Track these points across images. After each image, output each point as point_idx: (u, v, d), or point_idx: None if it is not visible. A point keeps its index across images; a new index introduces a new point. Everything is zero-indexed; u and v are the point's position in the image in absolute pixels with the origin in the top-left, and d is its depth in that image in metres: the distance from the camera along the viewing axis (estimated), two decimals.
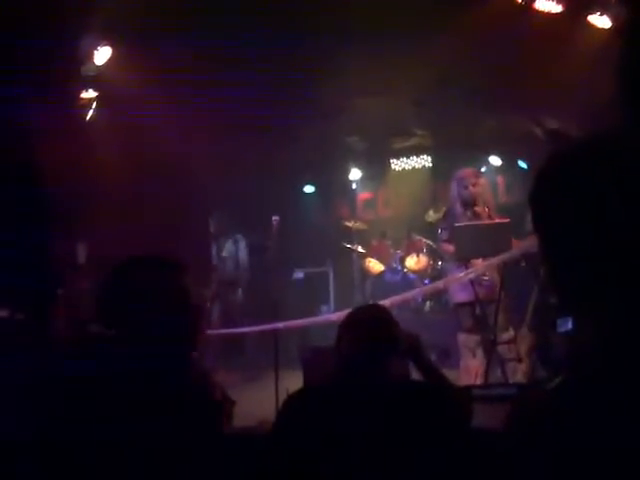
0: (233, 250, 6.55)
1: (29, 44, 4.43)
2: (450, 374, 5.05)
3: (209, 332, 5.71)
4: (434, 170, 8.66)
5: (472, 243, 4.26)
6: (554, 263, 1.01)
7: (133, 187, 6.17)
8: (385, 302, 5.12)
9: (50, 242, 5.41)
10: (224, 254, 6.58)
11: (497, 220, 4.57)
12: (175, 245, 6.33)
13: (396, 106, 7.32)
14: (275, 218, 5.92)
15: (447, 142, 8.15)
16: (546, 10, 4.41)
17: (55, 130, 5.16)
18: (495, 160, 8.40)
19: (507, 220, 4.45)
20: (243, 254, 6.59)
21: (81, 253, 6.24)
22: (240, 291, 6.61)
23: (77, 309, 5.37)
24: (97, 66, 5.55)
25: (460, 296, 4.72)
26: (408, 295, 5.46)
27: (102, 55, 5.48)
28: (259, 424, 2.94)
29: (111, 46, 5.45)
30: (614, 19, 4.64)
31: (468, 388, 3.51)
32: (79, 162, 5.73)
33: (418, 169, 8.79)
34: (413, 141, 8.52)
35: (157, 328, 1.75)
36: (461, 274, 4.58)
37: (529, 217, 1.04)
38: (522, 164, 8.21)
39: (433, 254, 7.06)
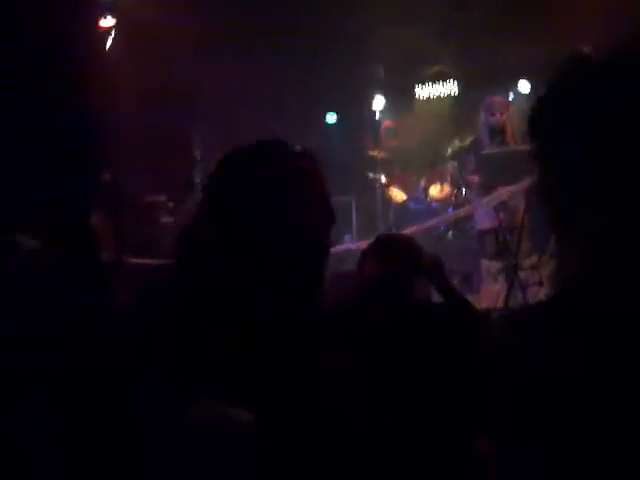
0: None
1: None
2: (472, 299, 5.16)
3: None
4: (460, 98, 8.45)
5: (497, 170, 4.23)
6: (548, 178, 1.00)
7: (148, 116, 6.15)
8: (408, 230, 5.14)
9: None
10: None
11: (522, 147, 4.49)
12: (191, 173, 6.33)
13: (420, 34, 7.12)
14: None
15: (473, 68, 7.93)
16: None
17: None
18: (524, 86, 8.17)
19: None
20: None
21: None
22: None
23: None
24: None
25: (484, 223, 4.73)
26: (431, 223, 5.45)
27: None
28: None
29: None
30: None
31: (488, 310, 3.55)
32: (101, 91, 5.71)
33: (443, 97, 8.58)
34: (438, 68, 8.30)
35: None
36: (485, 201, 4.56)
37: None
38: None
39: (457, 182, 6.99)
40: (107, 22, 5.78)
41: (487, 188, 4.47)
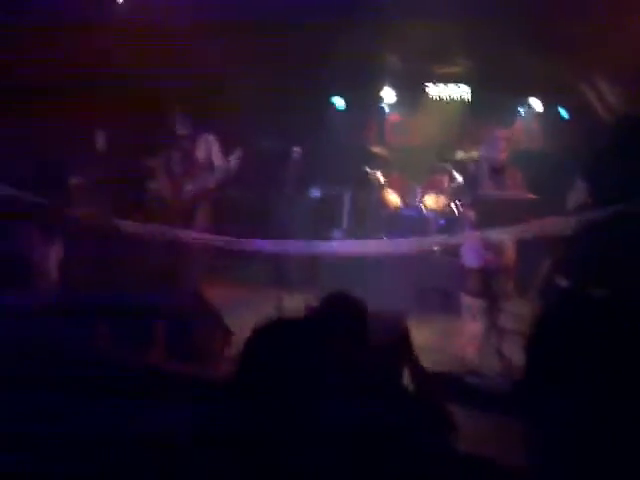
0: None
1: None
2: (449, 320, 5.16)
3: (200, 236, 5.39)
4: (471, 104, 8.29)
5: (493, 215, 4.14)
6: None
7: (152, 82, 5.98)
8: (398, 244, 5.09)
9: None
10: None
11: (522, 195, 4.41)
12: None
13: (443, 31, 6.89)
14: (297, 149, 5.70)
15: (489, 76, 7.74)
16: None
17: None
18: (535, 103, 8.02)
19: (533, 197, 4.30)
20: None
21: (100, 140, 6.08)
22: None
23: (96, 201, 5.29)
24: None
25: (470, 260, 4.66)
26: (420, 244, 5.38)
27: None
28: None
29: None
30: None
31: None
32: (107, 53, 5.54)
33: (454, 100, 8.41)
34: (454, 69, 8.10)
35: None
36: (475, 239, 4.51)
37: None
38: (563, 112, 7.86)
39: (453, 194, 6.89)
40: None
41: (481, 228, 4.39)
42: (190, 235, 5.12)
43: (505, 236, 4.23)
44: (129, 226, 4.75)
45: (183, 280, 5.34)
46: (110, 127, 6.03)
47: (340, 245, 6.13)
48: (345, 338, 1.93)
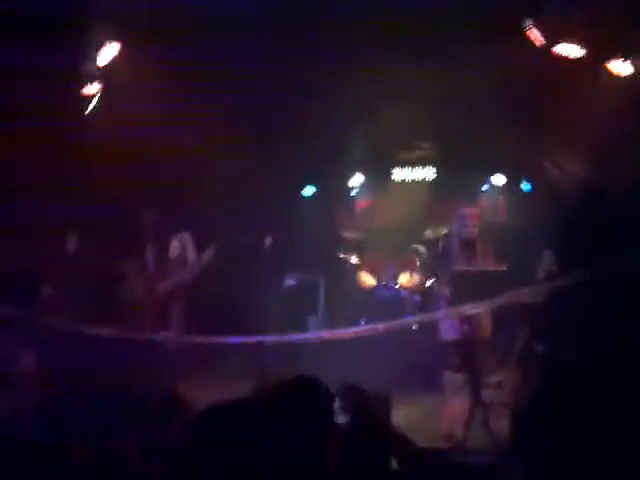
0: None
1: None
2: (432, 399, 5.09)
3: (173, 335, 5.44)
4: (436, 184, 8.57)
5: (468, 289, 4.21)
6: None
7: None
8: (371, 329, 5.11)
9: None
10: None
11: (493, 267, 4.51)
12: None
13: (405, 118, 7.21)
14: (269, 239, 5.80)
15: (452, 157, 8.06)
16: (565, 54, 4.31)
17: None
18: (498, 179, 8.31)
19: (504, 268, 4.40)
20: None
21: (70, 245, 6.13)
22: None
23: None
24: (103, 62, 5.42)
25: (449, 333, 4.68)
26: (397, 324, 5.41)
27: (109, 52, 5.35)
28: None
29: (119, 43, 5.32)
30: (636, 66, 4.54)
31: None
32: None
33: (420, 181, 8.70)
34: (418, 154, 8.42)
35: None
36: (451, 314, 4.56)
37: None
38: (525, 186, 8.14)
39: (426, 272, 6.99)
40: (92, 89, 5.72)
41: (457, 303, 4.45)
42: (164, 336, 5.15)
43: (480, 309, 4.29)
44: (101, 331, 4.75)
45: (158, 381, 5.27)
46: (80, 232, 6.08)
47: (316, 335, 6.19)
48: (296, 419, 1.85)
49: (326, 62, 5.68)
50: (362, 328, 5.49)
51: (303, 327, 6.75)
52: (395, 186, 8.73)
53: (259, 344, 5.37)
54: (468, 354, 4.57)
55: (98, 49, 5.28)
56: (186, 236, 5.65)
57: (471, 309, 4.43)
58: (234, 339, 4.84)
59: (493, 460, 3.26)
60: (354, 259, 7.54)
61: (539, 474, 1.18)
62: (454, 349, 4.65)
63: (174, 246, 5.62)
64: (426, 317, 5.13)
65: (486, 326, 4.65)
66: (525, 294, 3.98)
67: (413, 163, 8.63)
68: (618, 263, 3.10)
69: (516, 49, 4.53)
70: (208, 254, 5.42)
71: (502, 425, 4.25)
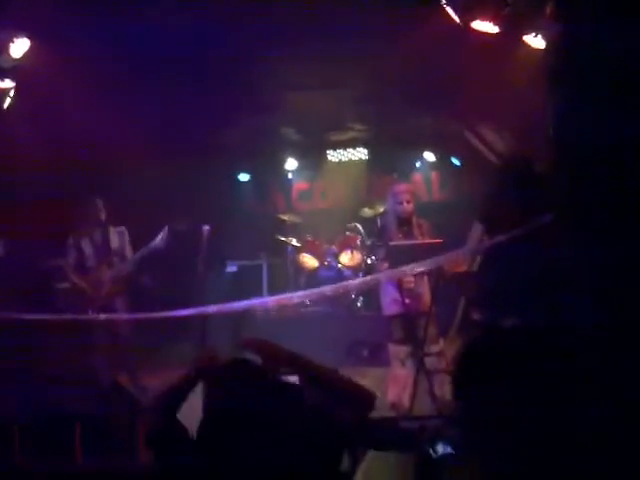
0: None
1: None
2: (379, 373, 5.26)
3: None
4: (370, 163, 8.73)
5: (405, 260, 4.35)
6: None
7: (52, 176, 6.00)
8: (315, 293, 5.21)
9: None
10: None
11: (430, 241, 4.68)
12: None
13: (334, 101, 7.29)
14: (206, 228, 5.82)
15: (383, 137, 8.22)
16: (483, 30, 4.47)
17: None
18: (429, 156, 8.53)
19: (440, 240, 4.56)
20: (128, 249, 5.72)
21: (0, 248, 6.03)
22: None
23: None
24: (14, 57, 5.26)
25: (391, 308, 4.83)
26: (341, 286, 5.53)
27: (19, 46, 5.19)
28: None
29: (29, 37, 5.17)
30: (547, 39, 4.74)
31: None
32: None
33: (354, 161, 8.84)
34: (350, 134, 8.53)
35: None
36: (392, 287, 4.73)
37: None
38: (455, 161, 8.39)
39: (366, 250, 7.14)
40: (5, 84, 5.56)
41: (395, 277, 4.60)
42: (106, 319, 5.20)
43: (418, 269, 4.39)
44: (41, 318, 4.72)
45: (101, 370, 5.27)
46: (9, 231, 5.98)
47: (262, 302, 6.31)
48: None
49: (248, 47, 5.65)
50: (308, 292, 5.51)
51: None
52: (331, 167, 8.84)
53: (203, 319, 5.45)
54: (411, 327, 4.73)
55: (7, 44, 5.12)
56: (122, 229, 5.69)
57: (409, 270, 4.46)
58: (180, 312, 4.76)
59: (437, 425, 3.42)
60: (294, 241, 7.62)
61: (478, 435, 1.29)
62: (397, 323, 4.80)
63: (114, 239, 5.63)
64: (368, 281, 5.25)
65: (426, 298, 4.83)
66: (459, 255, 4.17)
67: (346, 144, 8.75)
68: (540, 226, 3.28)
69: (436, 26, 4.65)
70: (157, 241, 5.46)
71: (445, 391, 4.47)
